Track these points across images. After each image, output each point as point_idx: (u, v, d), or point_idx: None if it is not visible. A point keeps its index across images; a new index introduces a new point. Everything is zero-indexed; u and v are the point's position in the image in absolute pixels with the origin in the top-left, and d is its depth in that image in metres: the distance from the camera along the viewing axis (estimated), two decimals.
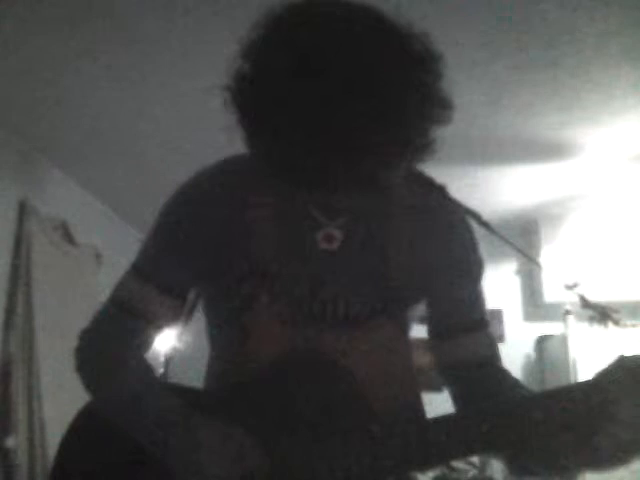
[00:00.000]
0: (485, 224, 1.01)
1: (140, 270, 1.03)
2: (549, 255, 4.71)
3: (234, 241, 0.99)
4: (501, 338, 4.96)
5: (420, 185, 1.00)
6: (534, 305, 4.90)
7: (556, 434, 0.84)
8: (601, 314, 1.29)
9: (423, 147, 0.84)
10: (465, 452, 0.90)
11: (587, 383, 0.87)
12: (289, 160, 0.80)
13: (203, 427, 0.90)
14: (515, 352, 4.84)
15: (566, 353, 4.18)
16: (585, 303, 1.17)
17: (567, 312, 4.21)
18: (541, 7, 2.38)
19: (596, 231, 4.62)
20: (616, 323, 1.25)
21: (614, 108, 3.15)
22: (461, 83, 2.96)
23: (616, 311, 1.29)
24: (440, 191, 1.00)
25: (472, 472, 3.82)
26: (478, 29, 2.52)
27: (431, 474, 3.85)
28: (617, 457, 0.82)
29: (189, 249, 1.00)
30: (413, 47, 0.80)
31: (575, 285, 1.25)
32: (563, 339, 4.29)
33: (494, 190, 4.32)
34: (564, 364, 4.12)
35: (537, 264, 1.17)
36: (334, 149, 0.77)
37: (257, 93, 0.80)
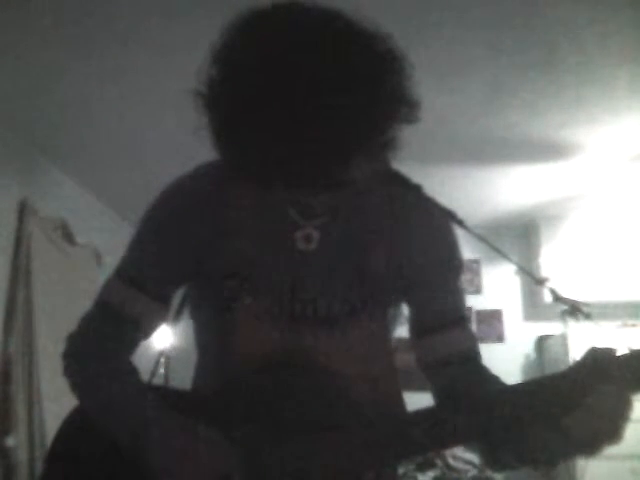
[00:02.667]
0: (460, 223, 1.02)
1: (125, 275, 1.04)
2: (548, 255, 4.72)
3: (216, 243, 1.01)
4: (501, 338, 4.97)
5: (397, 185, 1.01)
6: (534, 305, 4.90)
7: (529, 426, 0.86)
8: (572, 308, 1.31)
9: (383, 144, 0.85)
10: (441, 445, 0.92)
11: (559, 375, 0.89)
12: (256, 159, 0.82)
13: (183, 431, 0.91)
14: (515, 352, 4.85)
15: (566, 353, 4.19)
16: (556, 297, 1.19)
17: (567, 312, 4.22)
18: (541, 7, 2.39)
19: (596, 231, 4.63)
20: (587, 317, 1.27)
21: (614, 108, 3.15)
22: (461, 83, 2.99)
23: (586, 305, 1.32)
24: (416, 191, 1.00)
25: (472, 472, 3.83)
26: (478, 29, 2.53)
27: (431, 474, 3.86)
28: (587, 444, 0.84)
29: (172, 252, 1.02)
30: (375, 47, 0.83)
31: (545, 280, 1.28)
32: (563, 339, 4.30)
33: (494, 190, 4.32)
34: (564, 364, 4.12)
35: (513, 262, 1.18)
36: (298, 146, 0.79)
37: (225, 95, 0.82)
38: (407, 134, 0.86)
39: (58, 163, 3.76)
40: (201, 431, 0.91)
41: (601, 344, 0.89)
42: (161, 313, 1.04)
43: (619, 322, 4.15)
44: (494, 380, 1.02)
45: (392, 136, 0.85)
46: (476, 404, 0.89)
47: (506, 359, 4.39)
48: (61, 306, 3.44)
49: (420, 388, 1.17)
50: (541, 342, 4.83)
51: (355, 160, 0.84)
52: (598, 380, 0.85)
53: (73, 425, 1.01)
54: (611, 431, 0.83)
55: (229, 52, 0.83)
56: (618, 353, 0.87)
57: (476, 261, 4.90)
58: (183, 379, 1.19)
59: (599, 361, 0.87)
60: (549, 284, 1.20)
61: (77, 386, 1.02)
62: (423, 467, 3.84)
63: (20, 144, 3.43)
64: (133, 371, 1.02)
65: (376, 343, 1.05)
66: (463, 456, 3.80)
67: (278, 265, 1.01)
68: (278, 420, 0.93)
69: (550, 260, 4.69)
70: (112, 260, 1.12)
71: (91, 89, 2.94)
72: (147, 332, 1.05)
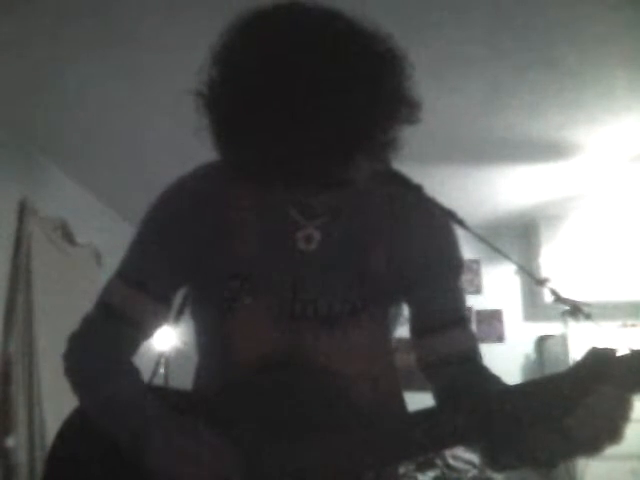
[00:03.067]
0: (460, 223, 1.03)
1: (125, 276, 1.04)
2: (548, 255, 4.72)
3: (216, 243, 1.01)
4: (501, 338, 4.97)
5: (397, 185, 1.01)
6: (534, 305, 4.90)
7: (529, 427, 0.86)
8: (573, 308, 1.32)
9: (383, 144, 0.85)
10: (441, 446, 0.92)
11: (559, 375, 0.90)
12: (256, 159, 0.83)
13: (183, 432, 0.91)
14: (515, 352, 4.85)
15: (566, 353, 4.19)
16: (557, 298, 1.19)
17: (567, 312, 4.21)
18: (541, 7, 2.38)
19: (596, 231, 4.63)
20: (587, 317, 1.28)
21: (614, 108, 3.15)
22: (461, 83, 2.99)
23: (587, 305, 1.33)
24: (417, 191, 1.01)
25: (472, 472, 3.83)
26: (478, 29, 2.53)
27: (431, 474, 3.86)
28: (587, 444, 0.84)
29: (173, 253, 1.02)
30: (375, 48, 0.83)
31: (545, 280, 1.29)
32: (563, 339, 4.30)
33: (494, 190, 4.32)
34: (564, 364, 4.12)
35: (513, 262, 1.20)
36: (298, 146, 0.79)
37: (225, 95, 0.83)
38: (407, 134, 0.87)
39: (58, 163, 3.76)
40: (201, 432, 0.91)
41: (601, 344, 0.89)
42: (162, 314, 1.05)
43: (619, 322, 4.15)
44: (494, 380, 1.02)
45: (392, 136, 0.85)
46: (476, 404, 0.89)
47: (506, 359, 4.39)
48: (61, 306, 3.44)
49: (420, 388, 1.17)
50: (541, 342, 4.83)
51: (355, 160, 0.84)
52: (598, 380, 0.85)
53: (73, 426, 1.01)
54: (611, 431, 0.83)
55: (229, 52, 0.83)
56: (618, 353, 0.87)
57: (476, 261, 4.91)
58: (184, 380, 1.19)
59: (599, 361, 0.87)
60: (549, 284, 1.20)
61: (78, 386, 1.02)
62: (423, 467, 3.85)
63: (20, 144, 3.43)
64: (134, 372, 1.02)
65: (376, 343, 1.05)
66: (463, 456, 3.80)
67: (279, 265, 1.01)
68: (278, 420, 0.93)
69: (550, 260, 4.69)
70: (112, 260, 1.12)
71: (91, 89, 2.93)
72: (148, 333, 1.05)
